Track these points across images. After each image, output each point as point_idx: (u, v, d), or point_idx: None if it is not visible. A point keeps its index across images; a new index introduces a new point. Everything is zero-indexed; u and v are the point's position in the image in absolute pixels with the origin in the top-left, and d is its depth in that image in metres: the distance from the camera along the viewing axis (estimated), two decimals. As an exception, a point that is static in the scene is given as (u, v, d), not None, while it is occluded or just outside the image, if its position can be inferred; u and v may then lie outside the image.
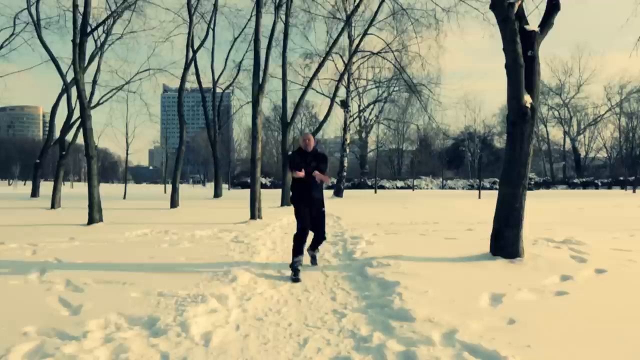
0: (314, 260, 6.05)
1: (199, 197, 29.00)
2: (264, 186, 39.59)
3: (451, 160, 64.85)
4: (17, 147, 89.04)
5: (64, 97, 22.29)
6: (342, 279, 5.13)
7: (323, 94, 29.41)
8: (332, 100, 22.96)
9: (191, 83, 27.90)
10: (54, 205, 17.17)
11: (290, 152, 5.58)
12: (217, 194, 27.29)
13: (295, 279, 5.08)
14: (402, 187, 51.24)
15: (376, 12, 22.05)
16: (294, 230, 4.98)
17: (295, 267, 5.19)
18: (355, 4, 21.27)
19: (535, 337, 3.14)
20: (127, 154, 30.38)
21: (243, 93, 34.95)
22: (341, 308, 4.01)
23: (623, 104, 58.94)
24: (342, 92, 27.92)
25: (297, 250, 5.29)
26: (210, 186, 61.01)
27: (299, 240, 5.34)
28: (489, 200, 20.37)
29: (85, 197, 11.76)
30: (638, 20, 9.10)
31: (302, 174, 5.28)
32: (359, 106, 38.42)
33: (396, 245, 7.20)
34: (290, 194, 5.63)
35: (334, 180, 30.08)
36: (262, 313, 3.89)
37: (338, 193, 27.34)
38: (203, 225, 10.45)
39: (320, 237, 5.85)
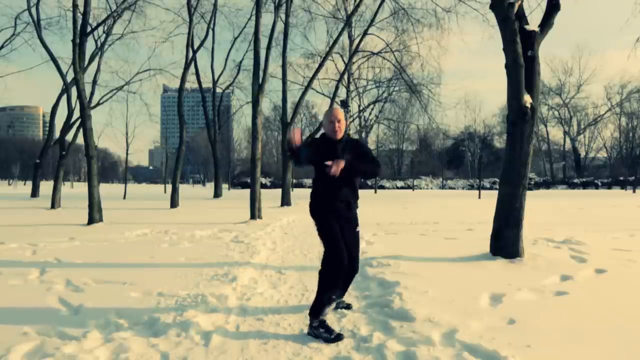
0: (341, 305, 3.94)
1: (199, 197, 28.99)
2: (264, 186, 39.58)
3: (451, 160, 64.90)
4: (17, 147, 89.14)
5: (64, 97, 22.33)
6: (342, 279, 5.12)
7: (323, 94, 29.39)
8: (332, 100, 22.94)
9: (191, 83, 27.96)
10: (54, 205, 17.17)
11: (306, 138, 3.50)
12: (217, 194, 27.29)
13: (336, 334, 3.21)
14: (402, 187, 51.27)
15: (376, 12, 22.03)
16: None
17: (323, 322, 3.30)
18: (356, 4, 21.26)
19: (535, 337, 3.14)
20: (127, 154, 30.42)
21: (243, 93, 35.02)
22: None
23: (623, 104, 59.00)
24: (342, 92, 27.90)
25: (332, 287, 3.36)
26: (210, 186, 61.00)
27: (334, 274, 3.34)
28: (489, 200, 20.37)
29: (85, 197, 11.76)
30: (637, 21, 9.09)
31: (339, 166, 3.27)
32: (359, 106, 38.42)
33: (396, 245, 7.20)
34: (310, 201, 3.57)
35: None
36: (262, 313, 3.89)
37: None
38: (203, 225, 10.45)
39: (354, 272, 3.72)
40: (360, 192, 2.90)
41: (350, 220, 3.60)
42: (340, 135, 3.50)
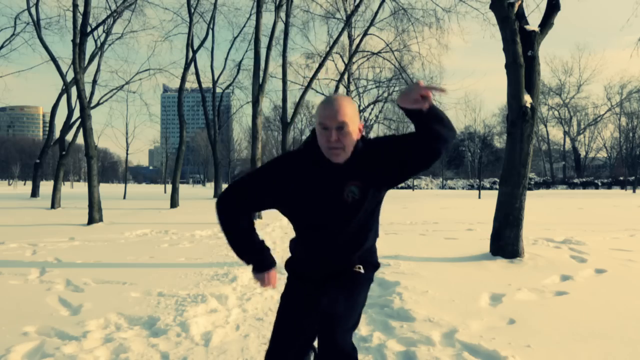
0: None
1: (199, 197, 28.99)
2: (264, 186, 39.37)
3: (451, 160, 64.92)
4: (17, 147, 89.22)
5: (64, 97, 22.31)
6: (342, 279, 5.12)
7: (323, 94, 29.41)
8: (332, 100, 22.85)
9: (191, 83, 27.93)
10: (54, 205, 17.17)
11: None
12: (217, 193, 27.30)
13: None
14: (401, 187, 51.26)
15: (376, 12, 22.03)
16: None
17: None
18: (356, 4, 21.25)
19: (535, 337, 3.14)
20: (127, 154, 30.40)
21: (243, 93, 35.12)
22: (341, 308, 4.01)
23: (623, 104, 59.07)
24: (342, 92, 27.92)
25: None
26: (210, 186, 61.01)
27: None
28: (489, 200, 20.36)
29: (85, 197, 11.76)
30: (638, 20, 9.10)
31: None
32: (359, 106, 38.42)
33: (396, 245, 7.20)
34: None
35: None
36: (262, 313, 3.88)
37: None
38: (203, 225, 10.45)
39: None
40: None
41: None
42: (341, 157, 1.65)
